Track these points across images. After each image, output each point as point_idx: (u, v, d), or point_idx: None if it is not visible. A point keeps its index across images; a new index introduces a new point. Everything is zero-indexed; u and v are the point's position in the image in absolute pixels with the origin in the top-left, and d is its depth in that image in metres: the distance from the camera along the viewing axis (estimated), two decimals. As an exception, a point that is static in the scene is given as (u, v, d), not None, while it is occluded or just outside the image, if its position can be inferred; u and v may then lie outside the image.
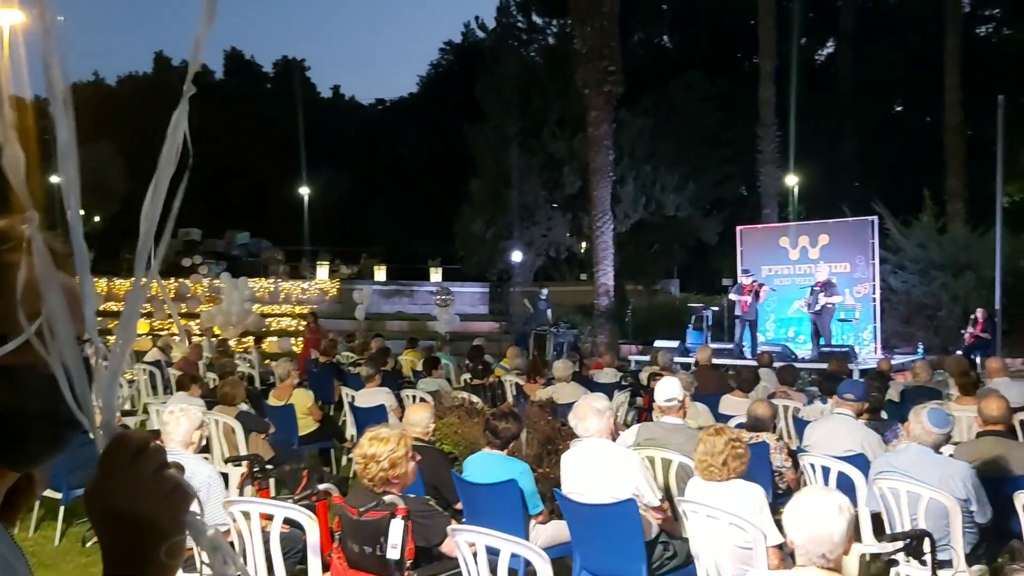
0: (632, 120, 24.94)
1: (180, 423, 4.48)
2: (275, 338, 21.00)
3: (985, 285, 17.89)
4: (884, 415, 7.11)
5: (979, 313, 16.47)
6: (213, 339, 17.30)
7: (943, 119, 23.67)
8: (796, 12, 25.76)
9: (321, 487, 4.20)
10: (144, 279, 0.90)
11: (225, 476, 6.59)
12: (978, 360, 14.12)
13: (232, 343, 17.63)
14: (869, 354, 16.28)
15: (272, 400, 8.50)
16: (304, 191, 35.05)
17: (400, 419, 6.95)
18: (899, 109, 33.37)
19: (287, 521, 3.98)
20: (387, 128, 41.95)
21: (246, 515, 3.96)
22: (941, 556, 4.16)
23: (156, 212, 0.91)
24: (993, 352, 14.86)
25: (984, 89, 21.00)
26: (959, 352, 14.98)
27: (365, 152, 40.44)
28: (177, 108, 0.92)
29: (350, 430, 8.64)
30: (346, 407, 9.00)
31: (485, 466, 4.76)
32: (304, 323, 20.92)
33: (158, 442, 0.93)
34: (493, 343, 19.52)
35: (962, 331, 16.94)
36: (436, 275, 28.77)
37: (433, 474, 4.89)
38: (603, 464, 4.52)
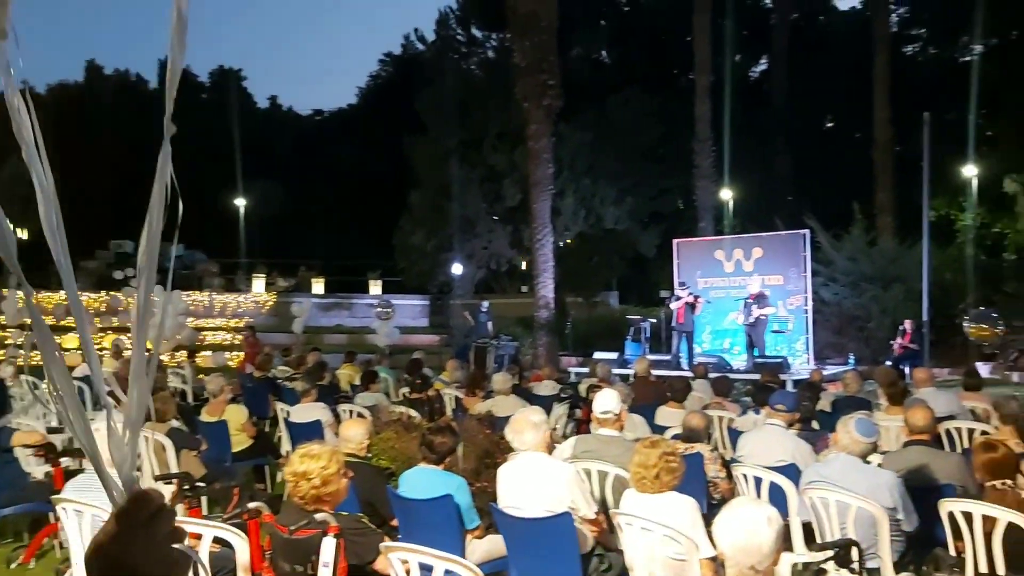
0: (572, 134, 25.14)
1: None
2: (209, 352, 20.61)
3: (913, 297, 18.42)
4: (815, 425, 7.25)
5: (907, 324, 16.95)
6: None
7: (872, 135, 24.32)
8: (730, 30, 26.28)
9: (252, 505, 4.10)
10: (153, 321, 0.92)
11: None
12: (907, 370, 14.52)
13: (164, 358, 17.26)
14: (802, 365, 16.62)
15: (205, 416, 8.33)
16: (240, 202, 34.53)
17: (337, 434, 6.86)
18: (830, 125, 34.23)
19: (217, 540, 3.90)
20: (326, 139, 41.55)
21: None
22: (870, 564, 4.25)
23: (154, 256, 0.92)
24: (921, 362, 15.31)
25: (911, 106, 21.65)
26: (888, 363, 15.40)
27: (303, 163, 40.01)
28: (161, 151, 0.93)
29: (286, 446, 8.50)
30: (281, 423, 8.86)
31: (421, 481, 4.73)
32: (240, 337, 20.60)
33: (169, 503, 0.94)
34: (434, 356, 19.45)
35: (891, 342, 17.42)
36: (376, 288, 28.56)
37: (368, 490, 4.83)
38: (539, 478, 4.53)
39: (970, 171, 21.60)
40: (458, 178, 26.33)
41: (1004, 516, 3.88)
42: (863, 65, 24.77)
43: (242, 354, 18.61)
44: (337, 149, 39.34)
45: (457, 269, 26.30)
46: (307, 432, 7.53)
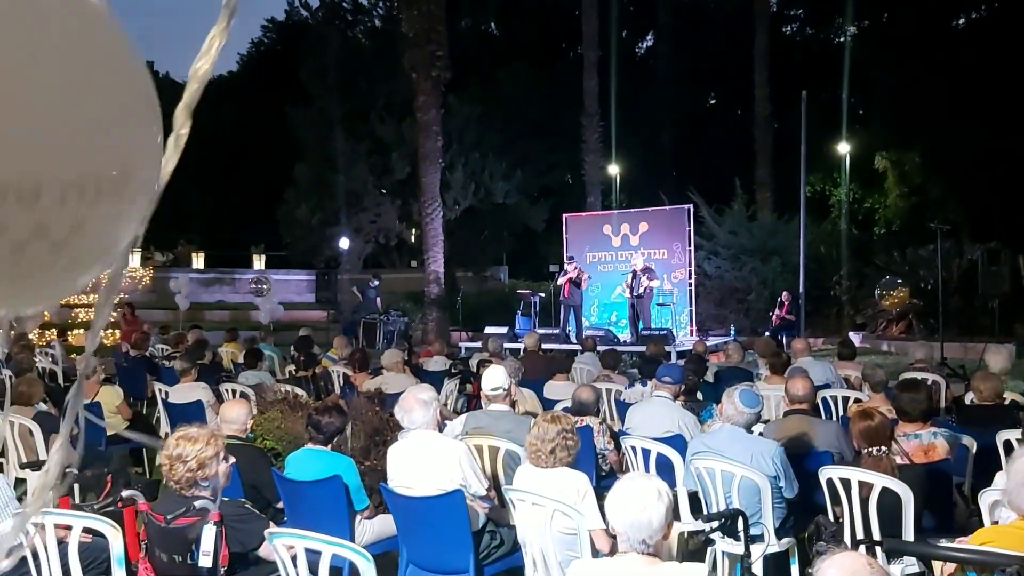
0: (460, 107, 24.92)
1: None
2: (82, 331, 19.66)
3: (790, 270, 19.12)
4: (700, 396, 7.42)
5: (785, 296, 17.59)
6: (11, 332, 15.96)
7: (753, 112, 25.00)
8: (617, 5, 26.48)
9: (126, 493, 3.89)
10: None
11: (23, 482, 6.10)
12: (784, 340, 15.08)
13: (33, 336, 16.35)
14: (685, 336, 17.04)
15: (76, 398, 7.92)
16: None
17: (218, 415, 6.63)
18: (713, 102, 35.02)
19: (88, 531, 3.68)
20: (205, 107, 39.61)
21: (40, 527, 3.63)
22: (753, 531, 4.36)
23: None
24: (797, 333, 15.92)
25: (789, 85, 22.30)
26: (767, 333, 15.95)
27: (182, 132, 38.43)
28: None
29: (164, 428, 8.18)
30: (159, 404, 8.51)
31: (308, 463, 4.59)
32: (115, 314, 19.70)
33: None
34: (320, 332, 19.04)
35: (770, 313, 18.05)
36: (259, 263, 27.78)
37: (251, 473, 4.66)
38: (430, 456, 4.46)
39: (843, 148, 22.45)
40: (344, 150, 25.76)
41: (879, 481, 4.04)
42: (744, 44, 25.38)
43: (118, 332, 17.81)
44: (217, 117, 37.87)
45: (344, 243, 25.80)
46: (187, 413, 7.26)
